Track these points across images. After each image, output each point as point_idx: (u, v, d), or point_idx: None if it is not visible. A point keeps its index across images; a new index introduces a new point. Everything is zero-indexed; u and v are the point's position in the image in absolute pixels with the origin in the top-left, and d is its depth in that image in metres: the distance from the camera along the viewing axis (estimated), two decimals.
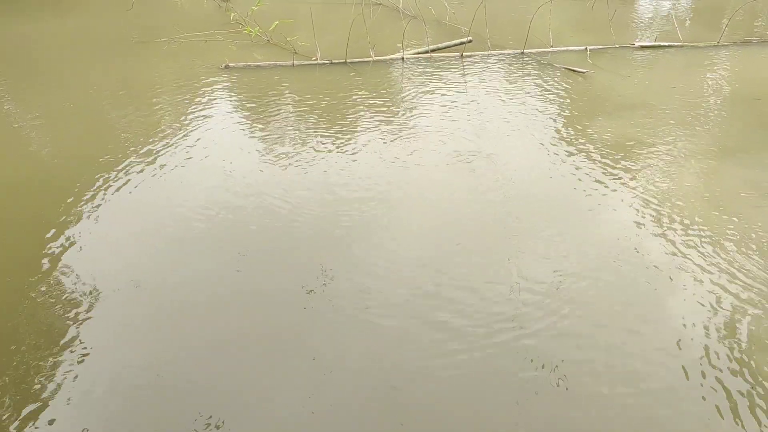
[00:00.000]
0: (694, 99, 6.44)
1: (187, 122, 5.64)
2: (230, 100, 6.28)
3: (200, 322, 3.19)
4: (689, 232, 4.00)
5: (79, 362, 2.96)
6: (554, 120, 5.82)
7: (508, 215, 4.15)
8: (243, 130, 5.57)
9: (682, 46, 8.19)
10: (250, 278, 3.50)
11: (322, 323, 3.16)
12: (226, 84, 6.68)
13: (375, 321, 3.18)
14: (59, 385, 2.83)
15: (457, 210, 4.22)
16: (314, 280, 3.47)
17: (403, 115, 5.91)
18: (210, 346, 3.04)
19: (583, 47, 7.95)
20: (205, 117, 5.78)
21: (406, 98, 6.36)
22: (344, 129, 5.56)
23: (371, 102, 6.22)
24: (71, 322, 3.19)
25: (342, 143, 5.26)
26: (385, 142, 5.28)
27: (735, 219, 4.14)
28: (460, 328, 3.15)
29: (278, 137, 5.38)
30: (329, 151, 5.12)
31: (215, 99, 6.26)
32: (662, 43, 8.25)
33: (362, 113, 5.94)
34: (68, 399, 2.77)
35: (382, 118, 5.80)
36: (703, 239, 3.93)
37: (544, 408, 2.72)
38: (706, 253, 3.78)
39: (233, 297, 3.36)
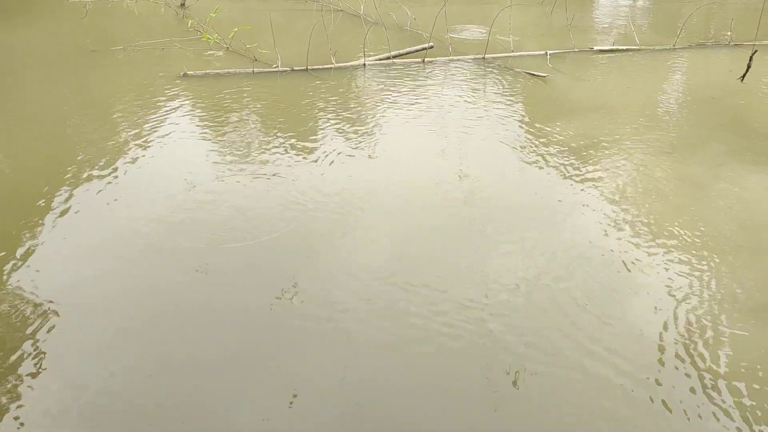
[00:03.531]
0: (651, 100, 6.65)
1: (145, 132, 5.56)
2: (189, 109, 6.24)
3: (159, 339, 3.13)
4: (647, 230, 4.13)
5: (30, 383, 2.88)
6: (517, 123, 5.94)
7: (474, 221, 4.22)
8: (202, 139, 5.54)
9: (639, 50, 8.45)
10: (213, 293, 3.46)
11: (288, 339, 3.14)
12: (184, 93, 6.64)
13: (344, 336, 3.17)
14: (7, 408, 2.75)
15: (424, 218, 4.25)
16: (281, 295, 3.45)
17: (366, 121, 5.96)
18: (169, 366, 2.97)
19: (543, 52, 8.13)
20: (164, 127, 5.72)
21: (369, 104, 6.41)
22: (307, 136, 5.57)
23: (334, 109, 6.26)
24: (24, 340, 3.11)
25: (305, 150, 5.28)
26: (348, 149, 5.32)
27: (693, 216, 4.29)
28: (431, 340, 3.16)
29: (239, 146, 5.37)
30: (292, 159, 5.13)
31: (173, 108, 6.21)
32: (620, 47, 8.50)
33: (325, 120, 5.97)
34: (17, 422, 2.70)
35: (346, 125, 5.85)
36: (660, 237, 4.06)
37: (514, 417, 2.75)
38: (665, 251, 3.91)
39: (196, 313, 3.31)
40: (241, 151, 5.29)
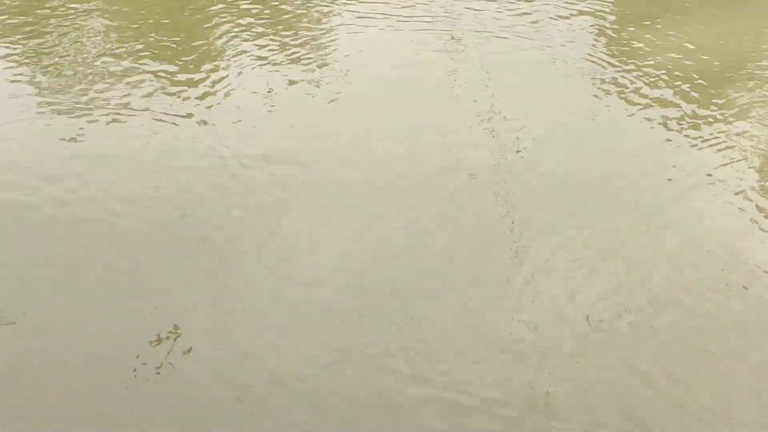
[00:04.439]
0: None
1: None
2: None
3: None
4: None
5: None
6: (587, 33, 5.89)
7: (509, 214, 3.97)
8: (10, 73, 5.33)
9: None
10: (43, 339, 3.26)
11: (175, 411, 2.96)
12: None
13: (269, 410, 2.95)
14: None
15: (417, 210, 4.04)
16: (161, 337, 3.26)
17: (313, 29, 5.85)
18: None
19: None
20: None
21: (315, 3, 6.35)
22: (198, 60, 5.43)
23: (253, 5, 6.05)
24: None
25: (194, 82, 5.12)
26: (280, 80, 5.14)
27: None
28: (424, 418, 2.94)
29: (74, 83, 5.19)
30: (174, 94, 4.97)
31: None
32: None
33: (235, 26, 5.82)
34: None
35: (276, 34, 5.70)
36: None
37: None
38: None
39: (17, 372, 3.13)
40: (78, 89, 5.08)
